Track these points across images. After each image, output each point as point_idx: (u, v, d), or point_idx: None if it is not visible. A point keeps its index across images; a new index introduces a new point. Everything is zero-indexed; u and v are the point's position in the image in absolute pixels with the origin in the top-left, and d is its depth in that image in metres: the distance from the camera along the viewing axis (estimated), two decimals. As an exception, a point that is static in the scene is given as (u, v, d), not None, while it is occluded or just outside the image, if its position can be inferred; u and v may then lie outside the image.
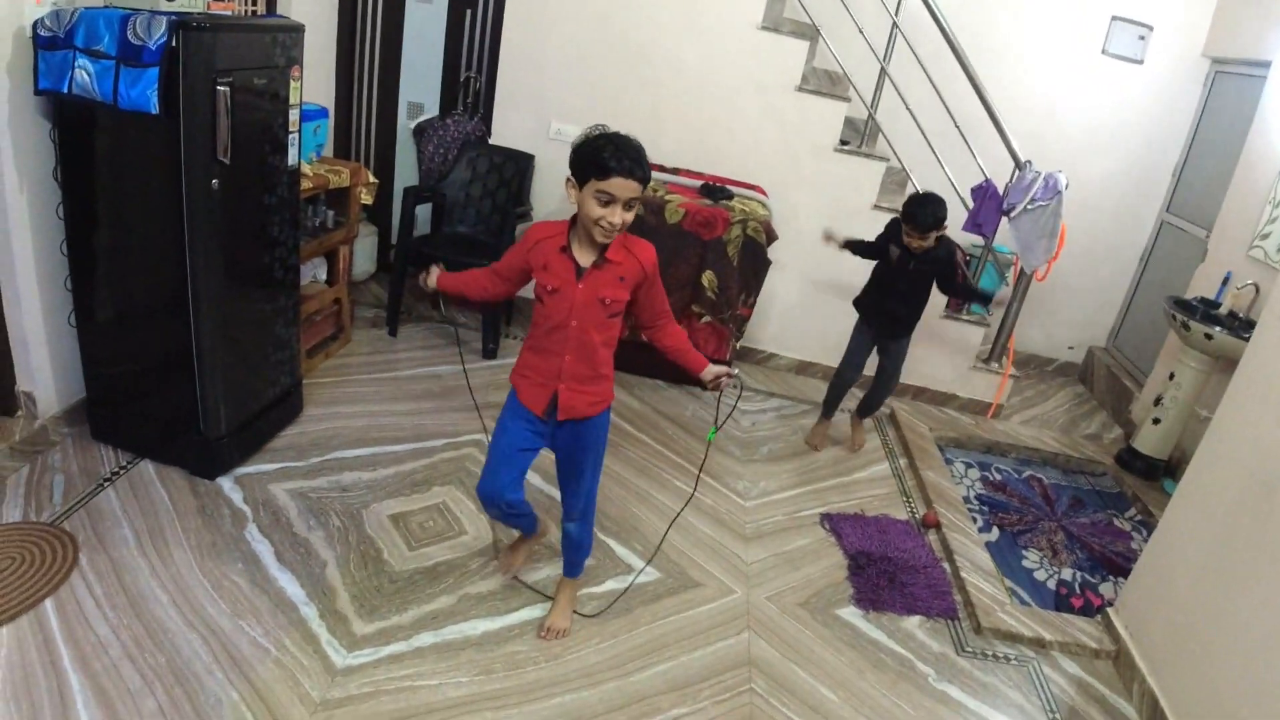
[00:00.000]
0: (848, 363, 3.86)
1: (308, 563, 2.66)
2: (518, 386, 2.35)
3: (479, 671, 2.37)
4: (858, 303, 3.80)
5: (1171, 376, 4.08)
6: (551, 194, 4.66)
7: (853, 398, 4.07)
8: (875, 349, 3.82)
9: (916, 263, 3.50)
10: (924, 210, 3.34)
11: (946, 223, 3.39)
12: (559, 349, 2.25)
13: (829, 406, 4.00)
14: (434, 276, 2.40)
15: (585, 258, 2.17)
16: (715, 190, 4.16)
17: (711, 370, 2.32)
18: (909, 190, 4.66)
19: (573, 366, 2.26)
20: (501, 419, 2.40)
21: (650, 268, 2.22)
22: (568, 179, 2.10)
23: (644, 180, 2.06)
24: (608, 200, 2.03)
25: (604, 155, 2.00)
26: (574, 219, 2.17)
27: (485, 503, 2.43)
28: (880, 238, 3.67)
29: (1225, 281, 4.03)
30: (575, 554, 2.61)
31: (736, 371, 2.39)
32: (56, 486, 2.79)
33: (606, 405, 2.39)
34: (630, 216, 2.08)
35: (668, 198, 4.01)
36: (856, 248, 3.74)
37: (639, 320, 2.36)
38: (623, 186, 2.02)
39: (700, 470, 3.10)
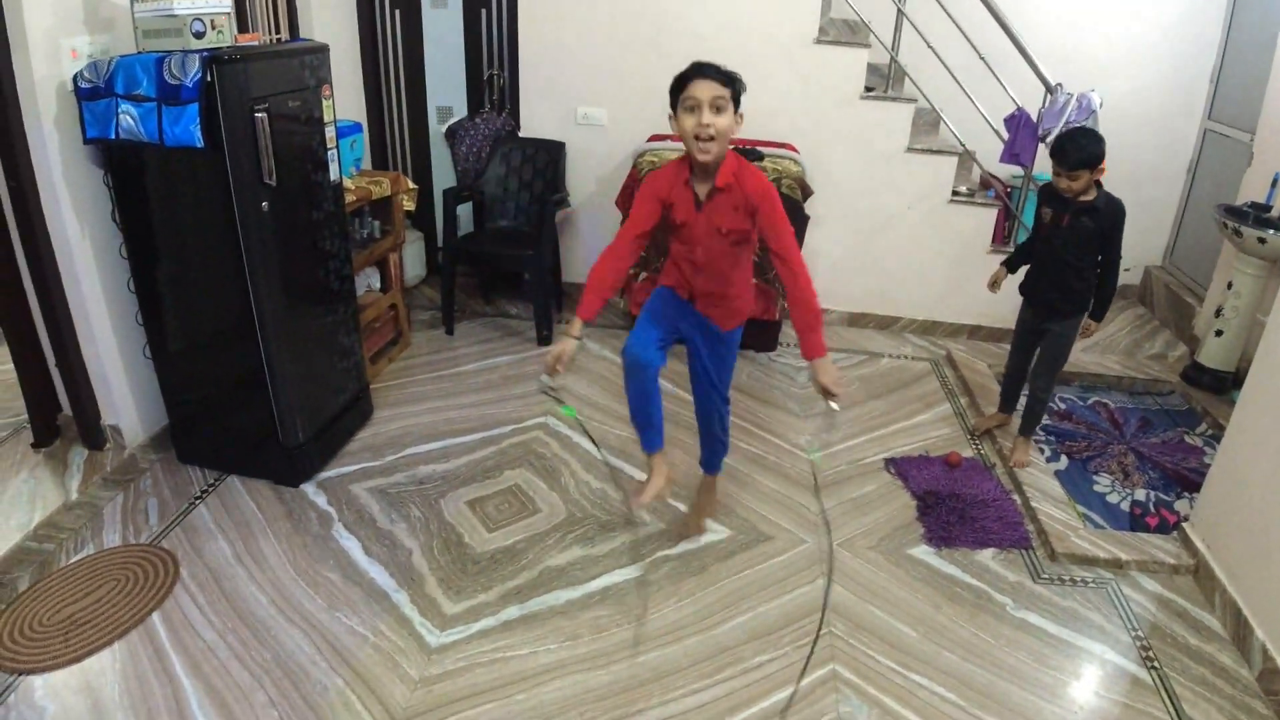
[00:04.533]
0: (1012, 350, 3.56)
1: (394, 553, 2.79)
2: (663, 283, 2.58)
3: (566, 638, 2.47)
4: (1021, 286, 3.38)
5: (1230, 286, 4.00)
6: (586, 179, 4.74)
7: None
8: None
9: (1073, 216, 3.02)
10: (1071, 143, 2.92)
11: (1104, 167, 2.94)
12: (691, 273, 2.48)
13: (1003, 400, 3.69)
14: (569, 346, 2.30)
15: (703, 189, 2.33)
16: (746, 153, 4.16)
17: (820, 369, 2.32)
18: (942, 129, 4.64)
19: (705, 286, 2.48)
20: (645, 304, 2.57)
21: (757, 196, 2.30)
22: (669, 116, 2.29)
23: (724, 81, 2.20)
24: (692, 105, 2.20)
25: (682, 72, 2.23)
26: (685, 158, 2.31)
27: (632, 366, 2.44)
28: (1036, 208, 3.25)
29: (1275, 183, 3.93)
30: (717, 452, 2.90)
31: (837, 407, 2.68)
32: (151, 509, 2.97)
33: (742, 321, 2.60)
34: (722, 122, 2.20)
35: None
36: (1018, 253, 3.39)
37: (770, 252, 2.38)
38: (701, 86, 2.18)
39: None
